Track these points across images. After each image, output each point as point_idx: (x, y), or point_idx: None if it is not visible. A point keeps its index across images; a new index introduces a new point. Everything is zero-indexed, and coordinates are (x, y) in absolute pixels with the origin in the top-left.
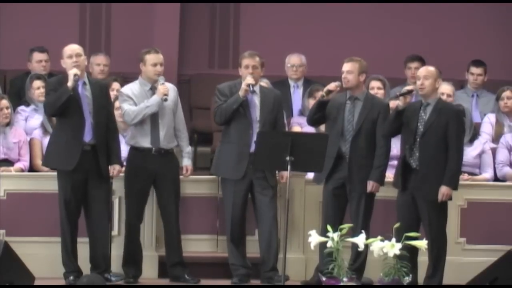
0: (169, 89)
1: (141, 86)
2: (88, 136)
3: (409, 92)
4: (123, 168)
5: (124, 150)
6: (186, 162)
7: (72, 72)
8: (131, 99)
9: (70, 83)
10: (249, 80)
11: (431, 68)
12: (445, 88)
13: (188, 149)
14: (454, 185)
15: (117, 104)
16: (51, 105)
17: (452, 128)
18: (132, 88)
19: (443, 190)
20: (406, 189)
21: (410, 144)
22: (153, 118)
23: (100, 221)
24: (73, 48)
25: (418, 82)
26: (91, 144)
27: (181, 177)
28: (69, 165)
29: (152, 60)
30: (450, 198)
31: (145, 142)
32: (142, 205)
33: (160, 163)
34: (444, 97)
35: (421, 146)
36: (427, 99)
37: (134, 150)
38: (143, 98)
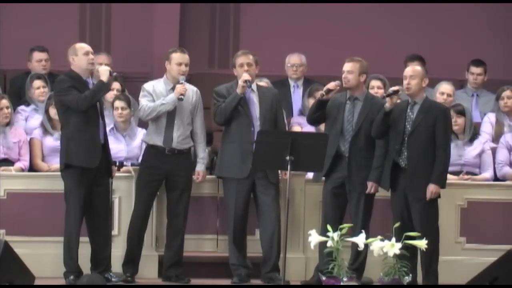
0: (186, 89)
1: (164, 85)
2: (101, 135)
3: (395, 92)
4: (126, 168)
5: (123, 150)
6: (199, 168)
7: (107, 68)
8: (151, 96)
9: (105, 79)
10: (245, 76)
11: (417, 68)
12: (445, 88)
13: (203, 155)
14: (442, 183)
15: (116, 104)
16: (88, 101)
17: (440, 126)
18: (154, 85)
19: (431, 188)
20: (397, 189)
21: (398, 143)
22: (169, 118)
23: (104, 220)
24: (87, 46)
25: (405, 82)
26: (101, 143)
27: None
28: (92, 163)
29: (177, 59)
30: (439, 196)
31: (159, 140)
32: (149, 203)
33: (173, 163)
34: (444, 97)
35: (409, 145)
36: (414, 99)
37: (149, 147)
38: (163, 97)
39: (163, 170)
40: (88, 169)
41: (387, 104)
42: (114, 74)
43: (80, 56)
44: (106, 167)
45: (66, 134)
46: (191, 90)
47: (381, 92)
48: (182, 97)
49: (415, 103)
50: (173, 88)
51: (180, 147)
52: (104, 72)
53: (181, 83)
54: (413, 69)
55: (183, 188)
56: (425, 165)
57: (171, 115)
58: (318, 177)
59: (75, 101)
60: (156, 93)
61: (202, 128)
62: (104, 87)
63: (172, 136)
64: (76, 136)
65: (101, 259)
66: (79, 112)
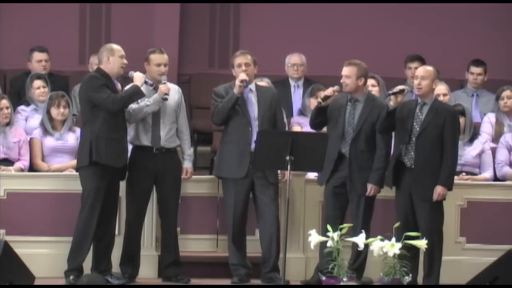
0: (170, 88)
1: (145, 86)
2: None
3: (401, 91)
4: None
5: None
6: (187, 165)
7: (142, 76)
8: None
9: (140, 84)
10: (242, 76)
11: (429, 68)
12: (439, 89)
13: (189, 151)
14: (449, 186)
15: None
16: (123, 103)
17: (448, 128)
18: None
19: (439, 190)
20: (401, 188)
21: (405, 143)
22: (155, 117)
23: (112, 220)
24: (122, 49)
25: (416, 82)
26: None
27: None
28: (120, 162)
29: (157, 60)
30: (444, 198)
31: (146, 140)
32: (143, 204)
33: (161, 162)
34: (440, 98)
35: (416, 145)
36: (423, 99)
37: (136, 149)
38: (146, 98)
39: (152, 169)
40: (110, 168)
41: (391, 103)
42: (149, 82)
43: (116, 57)
44: (123, 167)
45: (92, 130)
46: (173, 89)
47: (375, 90)
48: (167, 96)
49: (424, 104)
50: (155, 89)
51: (168, 146)
52: (139, 78)
53: (164, 83)
54: (424, 70)
55: (173, 186)
56: (431, 166)
57: (156, 114)
58: (322, 180)
59: (109, 100)
60: None
61: (186, 125)
62: (138, 92)
63: (159, 134)
64: (105, 133)
65: (103, 259)
66: (108, 112)
